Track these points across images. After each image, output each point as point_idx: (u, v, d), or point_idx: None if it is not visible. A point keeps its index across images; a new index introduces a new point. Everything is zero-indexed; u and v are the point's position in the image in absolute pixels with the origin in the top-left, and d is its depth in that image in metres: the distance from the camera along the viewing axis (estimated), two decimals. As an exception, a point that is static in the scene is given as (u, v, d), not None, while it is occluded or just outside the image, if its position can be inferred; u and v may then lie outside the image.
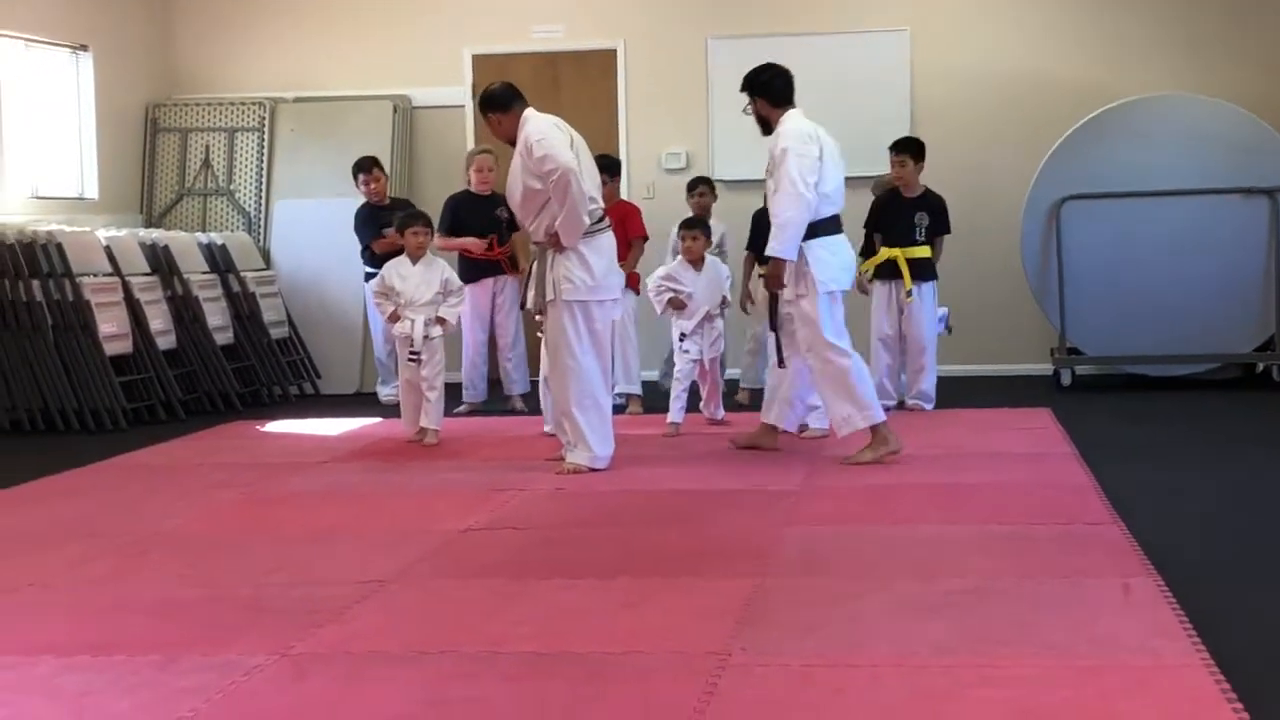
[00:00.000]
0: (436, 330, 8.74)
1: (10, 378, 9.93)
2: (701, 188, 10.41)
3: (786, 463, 7.67)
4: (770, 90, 7.82)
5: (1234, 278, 10.58)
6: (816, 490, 6.93)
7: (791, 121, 7.70)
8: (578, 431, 7.43)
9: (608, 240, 7.63)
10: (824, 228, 7.64)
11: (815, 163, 7.54)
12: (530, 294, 7.68)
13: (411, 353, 8.70)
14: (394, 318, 8.81)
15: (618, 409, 9.76)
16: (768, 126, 7.79)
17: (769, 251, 7.62)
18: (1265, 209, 10.51)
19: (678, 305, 9.01)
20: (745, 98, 7.94)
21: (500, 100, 7.53)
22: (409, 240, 8.88)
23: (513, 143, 7.50)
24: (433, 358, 8.72)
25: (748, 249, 9.87)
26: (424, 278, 8.80)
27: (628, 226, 9.88)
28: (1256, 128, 10.60)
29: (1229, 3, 11.61)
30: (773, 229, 7.58)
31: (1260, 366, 10.81)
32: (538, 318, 7.71)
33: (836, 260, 7.67)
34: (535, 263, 7.62)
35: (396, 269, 8.86)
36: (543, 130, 7.38)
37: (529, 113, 7.49)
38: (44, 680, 4.20)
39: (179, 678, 4.16)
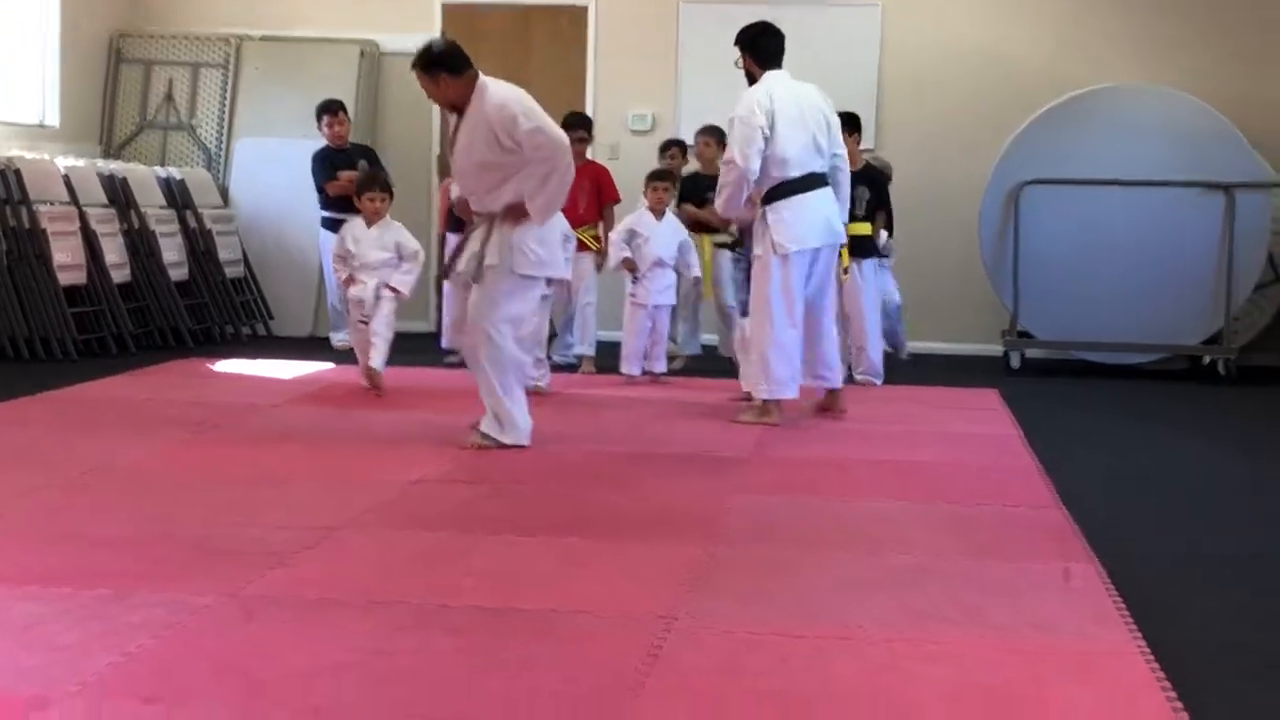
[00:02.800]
0: (388, 293, 8.71)
1: (-38, 303, 9.88)
2: (674, 149, 10.50)
3: (739, 430, 7.72)
4: (755, 48, 8.02)
5: (1186, 271, 10.69)
6: (768, 459, 6.98)
7: (755, 88, 7.87)
8: (503, 408, 6.94)
9: (560, 216, 7.34)
10: (784, 189, 7.81)
11: (756, 132, 7.72)
12: (461, 260, 7.08)
13: (363, 317, 8.68)
14: (349, 282, 8.78)
15: (571, 368, 9.91)
16: (752, 82, 7.99)
17: (716, 205, 8.19)
18: (1221, 204, 10.61)
19: (630, 267, 9.38)
20: (736, 53, 8.10)
21: (453, 61, 6.91)
22: (365, 206, 8.80)
23: (454, 108, 6.98)
24: (380, 311, 8.67)
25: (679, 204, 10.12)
26: (378, 241, 8.76)
27: (602, 190, 10.08)
28: (1217, 123, 10.69)
29: (1199, -2, 11.70)
30: (717, 203, 8.12)
31: (1207, 359, 10.92)
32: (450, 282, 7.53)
33: (799, 220, 7.81)
34: (476, 229, 7.05)
35: (351, 231, 8.83)
36: (524, 102, 6.89)
37: (485, 80, 6.94)
38: (-8, 609, 4.21)
39: (128, 612, 4.17)
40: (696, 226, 9.95)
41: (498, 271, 6.90)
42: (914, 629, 4.24)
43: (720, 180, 7.98)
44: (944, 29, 11.91)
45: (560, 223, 7.41)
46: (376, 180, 9.02)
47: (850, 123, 9.58)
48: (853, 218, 9.38)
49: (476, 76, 6.93)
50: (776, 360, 7.82)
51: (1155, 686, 3.80)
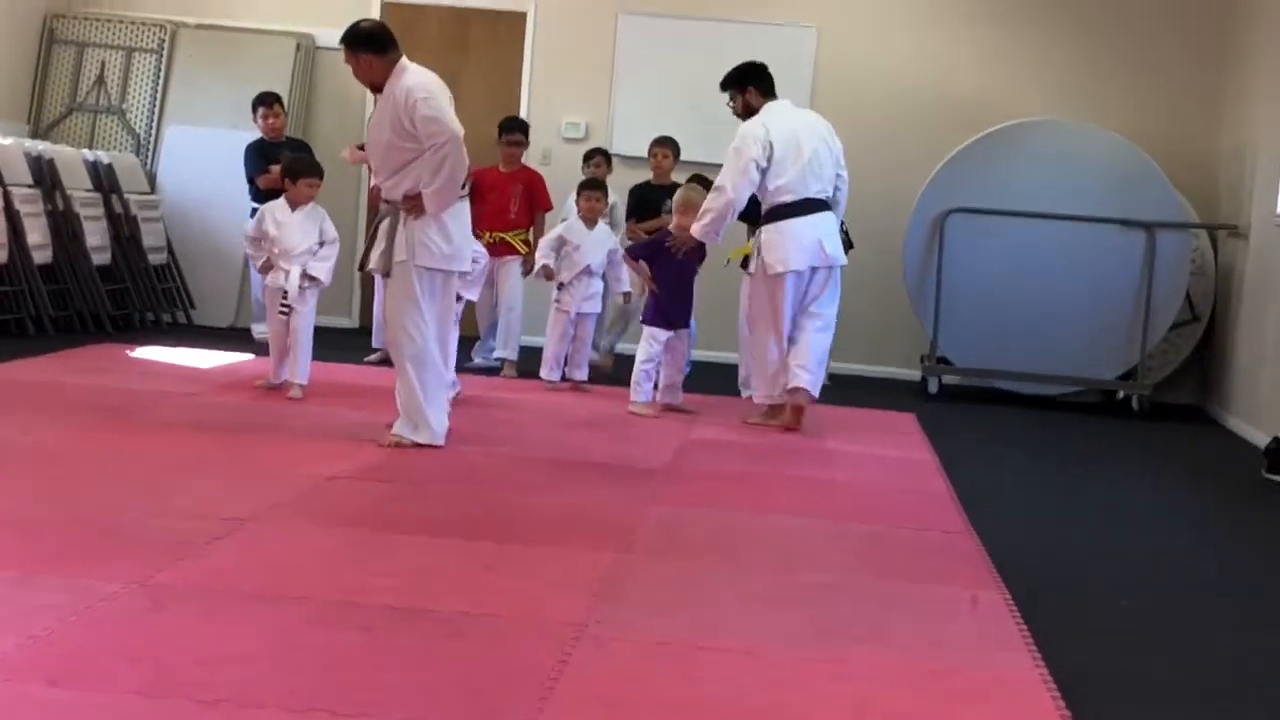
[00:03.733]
0: (307, 283, 8.41)
1: (-122, 276, 9.75)
2: (598, 158, 10.57)
3: (658, 440, 7.75)
4: (760, 80, 8.55)
5: (1105, 306, 10.81)
6: (684, 471, 7.01)
7: (754, 120, 8.42)
8: (417, 407, 6.93)
9: (465, 208, 7.18)
10: (778, 213, 8.35)
11: (750, 164, 8.23)
12: (374, 254, 7.10)
13: (283, 305, 8.37)
14: (266, 268, 8.49)
15: (493, 371, 9.91)
16: (748, 115, 8.50)
17: (693, 229, 8.43)
18: (1141, 242, 10.74)
19: (548, 275, 9.53)
20: (716, 90, 8.62)
21: (379, 41, 6.91)
22: (301, 190, 8.47)
23: (375, 88, 6.97)
24: (302, 309, 8.36)
25: (628, 219, 10.35)
26: (303, 226, 8.44)
27: (535, 197, 10.19)
28: (1142, 162, 10.82)
29: (1128, 38, 11.83)
30: (695, 227, 8.42)
31: (1121, 394, 11.06)
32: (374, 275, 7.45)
33: (789, 243, 8.31)
34: (382, 221, 7.07)
35: (273, 214, 8.47)
36: (429, 88, 6.87)
37: (406, 63, 6.94)
38: (-105, 586, 4.17)
39: (33, 595, 4.14)
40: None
41: (406, 267, 6.90)
42: (821, 647, 4.28)
43: (706, 204, 8.34)
44: (878, 54, 12.00)
45: (466, 220, 7.18)
46: (315, 166, 8.77)
47: None
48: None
49: (399, 58, 6.91)
50: (771, 369, 8.46)
51: (1055, 714, 3.85)
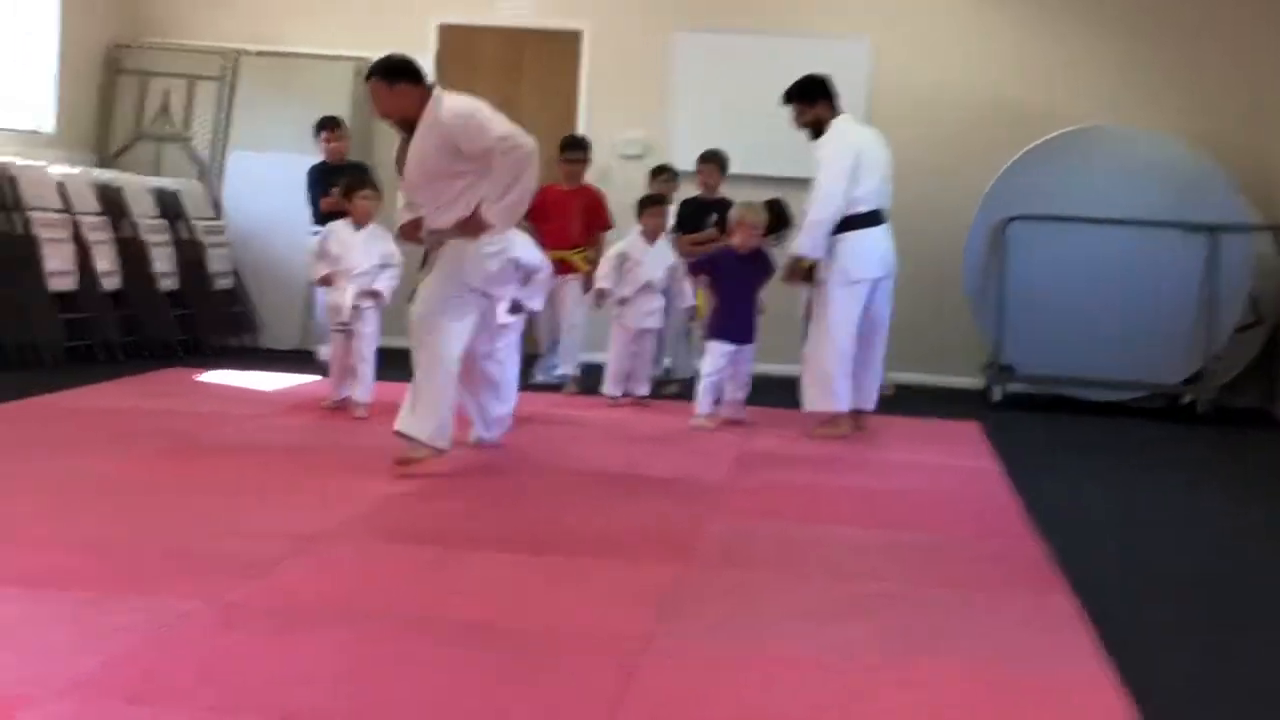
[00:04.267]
0: (368, 302, 8.36)
1: (-48, 305, 9.90)
2: (666, 174, 10.61)
3: (717, 455, 7.78)
4: (829, 94, 8.70)
5: (1168, 310, 10.77)
6: (744, 485, 7.03)
7: (841, 132, 8.59)
8: (425, 404, 6.72)
9: (514, 231, 7.11)
10: (855, 222, 8.53)
11: (849, 174, 8.47)
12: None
13: (339, 323, 8.39)
14: (325, 281, 8.51)
15: (556, 388, 9.97)
16: (819, 131, 8.61)
17: (793, 249, 8.63)
18: (1204, 245, 10.69)
19: (600, 299, 9.59)
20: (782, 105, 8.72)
21: (414, 71, 6.77)
22: (357, 205, 8.45)
23: (404, 121, 6.74)
24: (364, 330, 8.35)
25: (675, 231, 10.29)
26: (366, 246, 8.40)
27: (596, 215, 10.25)
28: (1203, 165, 10.79)
29: (1184, 42, 11.80)
30: (802, 227, 8.58)
31: (1187, 398, 11.00)
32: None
33: (865, 252, 8.56)
34: (432, 252, 6.93)
35: (338, 233, 8.49)
36: (484, 108, 6.71)
37: (441, 91, 6.78)
38: (-25, 609, 4.25)
39: (111, 616, 4.21)
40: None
41: (449, 275, 6.74)
42: (888, 657, 4.29)
43: (815, 215, 8.47)
44: (934, 63, 12.01)
45: (516, 240, 7.15)
46: (367, 179, 8.74)
47: None
48: None
49: (432, 88, 6.78)
50: (840, 376, 8.56)
51: (1125, 718, 3.86)
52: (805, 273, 8.64)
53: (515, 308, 7.77)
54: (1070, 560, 5.70)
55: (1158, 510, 7.24)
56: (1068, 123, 11.23)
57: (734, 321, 8.82)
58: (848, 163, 8.47)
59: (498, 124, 6.62)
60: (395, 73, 6.74)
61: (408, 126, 6.73)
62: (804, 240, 8.53)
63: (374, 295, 8.40)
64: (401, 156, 6.82)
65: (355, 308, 8.33)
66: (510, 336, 7.80)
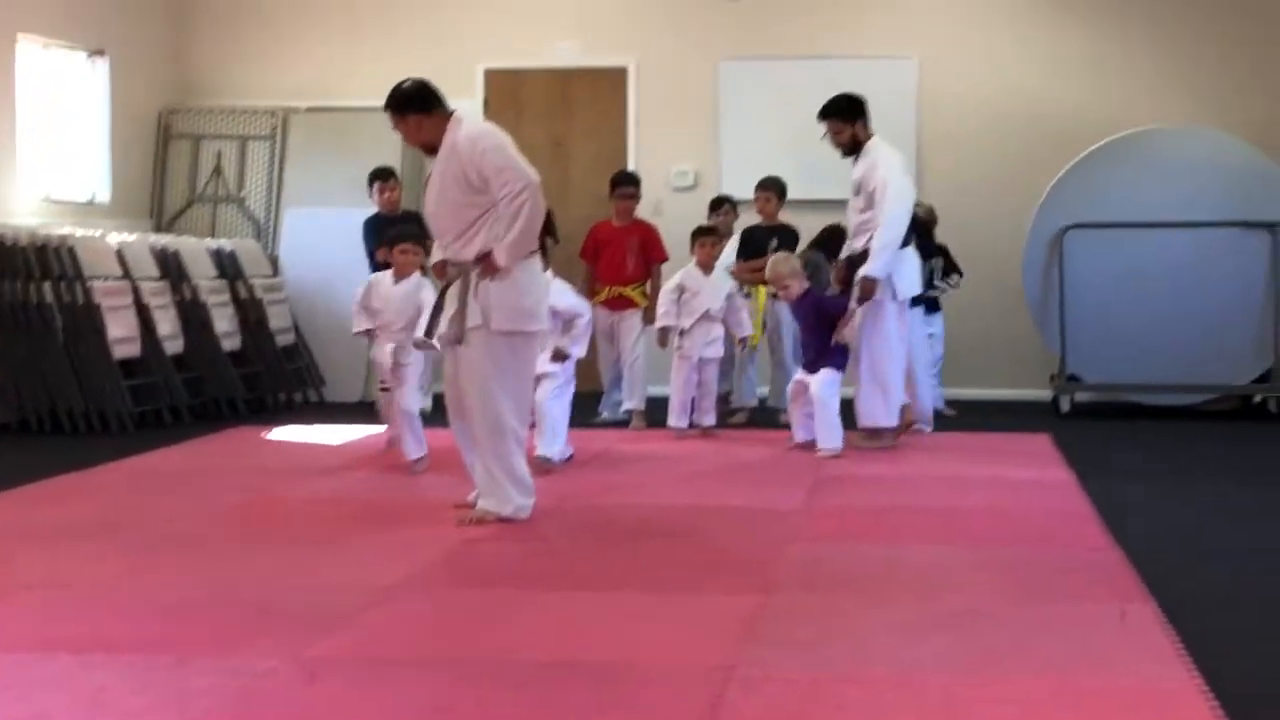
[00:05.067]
0: (410, 356, 7.94)
1: (20, 378, 9.99)
2: (726, 206, 10.64)
3: (789, 481, 7.75)
4: (865, 114, 8.83)
5: (1233, 310, 10.68)
6: (819, 509, 7.01)
7: (885, 150, 8.72)
8: (496, 480, 6.51)
9: (538, 264, 6.72)
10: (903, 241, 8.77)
11: (912, 192, 8.83)
12: (443, 320, 6.57)
13: (381, 383, 8.27)
14: (368, 335, 8.32)
15: (621, 423, 9.97)
16: (853, 148, 8.77)
17: (867, 272, 8.55)
18: (1266, 242, 10.60)
19: (662, 341, 9.62)
20: (817, 122, 8.91)
21: (423, 99, 6.57)
22: (396, 259, 8.20)
23: (431, 150, 6.59)
24: (403, 386, 8.05)
25: (737, 258, 10.28)
26: (403, 301, 8.06)
27: (650, 249, 10.25)
28: (1258, 161, 10.70)
29: (1232, 35, 11.73)
30: (873, 251, 8.57)
31: (1258, 398, 10.89)
32: (438, 346, 6.67)
33: (911, 271, 8.86)
34: (451, 285, 6.56)
35: (378, 287, 8.25)
36: (494, 136, 6.49)
37: (460, 116, 6.57)
38: (59, 676, 4.25)
39: (192, 678, 4.22)
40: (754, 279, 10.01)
41: (481, 333, 6.43)
42: (972, 672, 4.25)
43: (886, 239, 8.53)
44: (979, 77, 11.98)
45: (539, 275, 6.74)
46: (410, 231, 8.44)
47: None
48: None
49: (450, 114, 6.56)
50: (899, 390, 8.89)
51: (1215, 723, 3.81)
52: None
53: (558, 355, 7.73)
54: (1150, 566, 5.64)
55: (1236, 511, 7.15)
56: (1118, 128, 11.16)
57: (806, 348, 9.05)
58: (909, 182, 8.69)
59: (500, 157, 6.39)
60: (403, 104, 6.60)
61: (432, 151, 6.60)
62: (878, 265, 8.56)
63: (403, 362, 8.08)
64: (426, 182, 6.69)
65: (396, 364, 8.06)
66: (559, 380, 7.89)
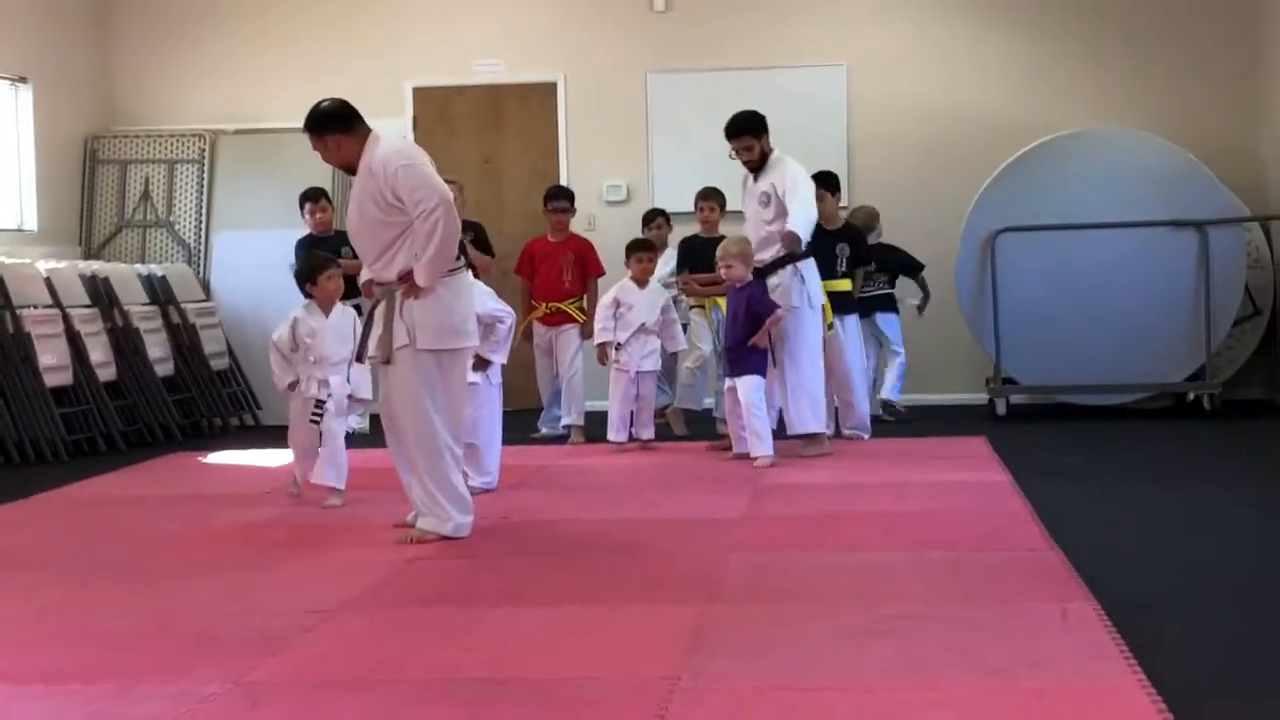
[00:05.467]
0: (352, 409, 7.68)
1: (-50, 409, 9.87)
2: (659, 219, 10.62)
3: (730, 491, 7.75)
4: (768, 129, 8.91)
5: (1165, 308, 10.76)
6: (760, 518, 7.02)
7: (790, 160, 8.87)
8: (433, 498, 6.46)
9: (467, 280, 6.71)
10: (807, 251, 8.85)
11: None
12: (371, 341, 6.56)
13: (315, 412, 7.57)
14: (291, 388, 7.73)
15: (560, 439, 9.95)
16: (760, 164, 8.87)
17: (791, 227, 8.58)
18: (1194, 241, 10.70)
19: (602, 357, 9.61)
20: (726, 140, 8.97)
21: (343, 118, 6.52)
22: (323, 287, 7.71)
23: (349, 169, 6.56)
24: (338, 420, 7.63)
25: (679, 270, 10.17)
26: (338, 331, 7.66)
27: (586, 264, 10.25)
28: (1186, 162, 10.80)
29: (1156, 37, 11.84)
30: (793, 216, 8.62)
31: (1191, 395, 10.98)
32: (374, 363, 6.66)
33: (817, 279, 8.97)
34: (377, 306, 6.53)
35: (307, 321, 7.68)
36: (408, 154, 6.46)
37: (378, 135, 6.53)
38: (-2, 710, 4.22)
39: (133, 706, 4.18)
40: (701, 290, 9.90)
41: (408, 351, 6.39)
42: (915, 677, 4.26)
43: (800, 207, 8.64)
44: (909, 83, 12.04)
45: (468, 292, 6.70)
46: (325, 258, 8.02)
47: (827, 181, 9.76)
48: (834, 275, 9.54)
49: (368, 133, 6.51)
50: (824, 396, 9.08)
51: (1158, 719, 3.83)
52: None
53: (480, 363, 7.46)
54: (1089, 566, 5.67)
55: (1173, 509, 7.21)
56: (1047, 131, 11.24)
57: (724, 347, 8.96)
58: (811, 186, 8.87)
59: (412, 176, 6.33)
60: (324, 124, 6.53)
61: (353, 172, 6.57)
62: (801, 223, 8.62)
63: (360, 402, 7.84)
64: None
65: (351, 397, 7.69)
66: (481, 398, 7.56)
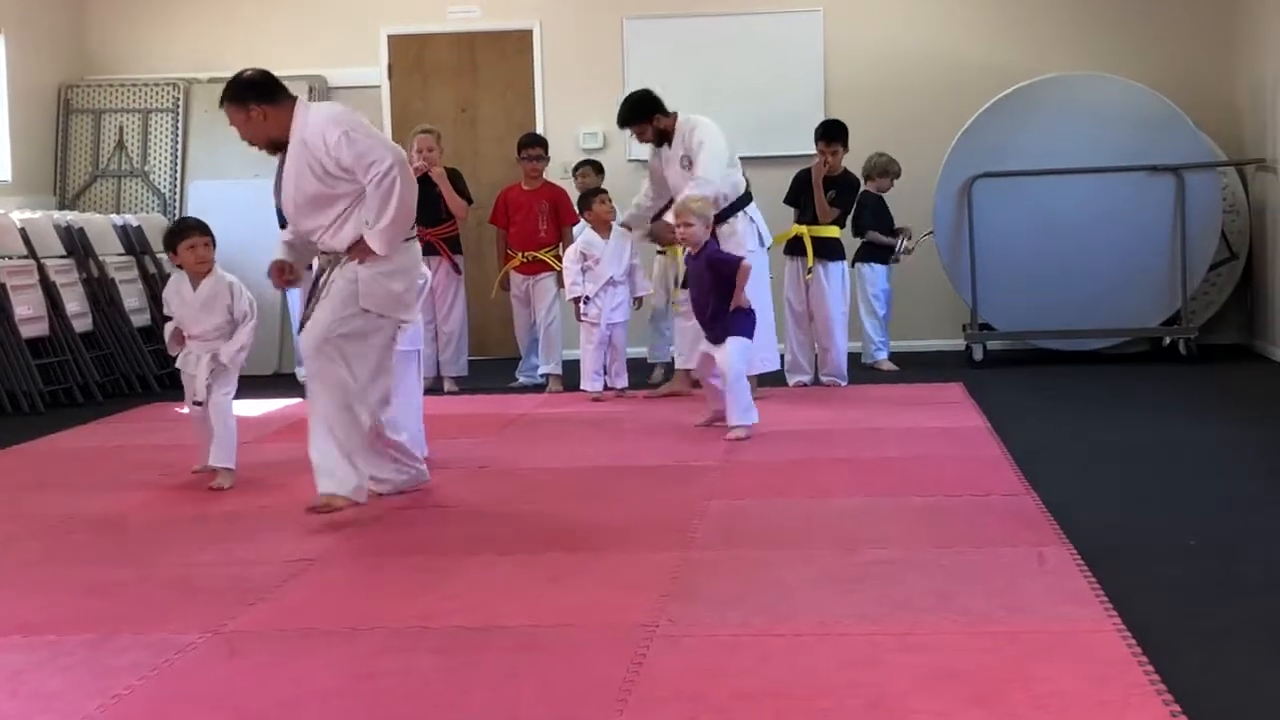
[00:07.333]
0: (220, 374, 6.97)
1: (-75, 361, 9.84)
2: (584, 168, 10.51)
3: (707, 438, 7.77)
4: (659, 105, 8.94)
5: (1141, 254, 10.77)
6: (737, 465, 7.03)
7: (700, 121, 8.85)
8: (335, 457, 5.95)
9: (416, 249, 6.31)
10: (745, 200, 8.90)
11: (727, 156, 8.81)
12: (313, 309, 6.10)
13: (196, 399, 6.99)
14: (178, 339, 7.05)
15: (538, 388, 9.95)
16: (664, 136, 8.90)
17: (705, 191, 8.46)
18: (1171, 186, 10.70)
19: (579, 314, 9.52)
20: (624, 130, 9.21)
21: (268, 89, 6.05)
22: (184, 257, 6.96)
23: (271, 143, 6.07)
24: (215, 401, 6.96)
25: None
26: (207, 305, 6.95)
27: (561, 211, 10.18)
28: (1161, 106, 10.79)
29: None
30: (699, 178, 8.58)
31: (1167, 340, 11.01)
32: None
33: (762, 221, 9.00)
34: (322, 274, 6.12)
35: (178, 291, 7.01)
36: (346, 119, 5.98)
37: (304, 102, 6.09)
38: (-24, 661, 4.23)
39: (112, 656, 4.20)
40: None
41: (343, 297, 5.97)
42: (891, 620, 4.29)
43: (707, 184, 8.53)
44: (886, 30, 12.00)
45: (417, 260, 6.35)
46: (196, 225, 7.14)
47: (835, 132, 9.90)
48: (818, 220, 9.57)
49: (294, 102, 6.07)
50: (773, 339, 9.05)
51: (1131, 661, 3.86)
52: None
53: None
54: (1065, 509, 5.71)
55: (1148, 453, 7.24)
56: (1022, 76, 11.21)
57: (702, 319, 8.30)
58: (724, 145, 8.80)
59: (358, 136, 5.92)
60: (246, 93, 6.05)
61: (278, 149, 6.09)
62: (716, 177, 8.64)
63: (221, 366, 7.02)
64: (278, 180, 6.16)
65: (208, 385, 6.96)
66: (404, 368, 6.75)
